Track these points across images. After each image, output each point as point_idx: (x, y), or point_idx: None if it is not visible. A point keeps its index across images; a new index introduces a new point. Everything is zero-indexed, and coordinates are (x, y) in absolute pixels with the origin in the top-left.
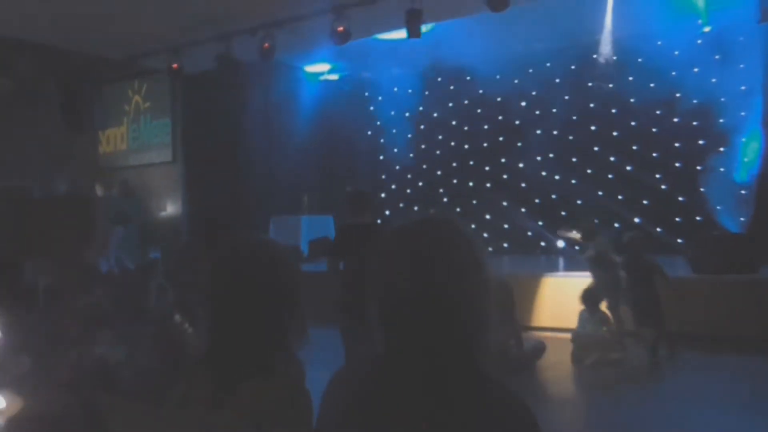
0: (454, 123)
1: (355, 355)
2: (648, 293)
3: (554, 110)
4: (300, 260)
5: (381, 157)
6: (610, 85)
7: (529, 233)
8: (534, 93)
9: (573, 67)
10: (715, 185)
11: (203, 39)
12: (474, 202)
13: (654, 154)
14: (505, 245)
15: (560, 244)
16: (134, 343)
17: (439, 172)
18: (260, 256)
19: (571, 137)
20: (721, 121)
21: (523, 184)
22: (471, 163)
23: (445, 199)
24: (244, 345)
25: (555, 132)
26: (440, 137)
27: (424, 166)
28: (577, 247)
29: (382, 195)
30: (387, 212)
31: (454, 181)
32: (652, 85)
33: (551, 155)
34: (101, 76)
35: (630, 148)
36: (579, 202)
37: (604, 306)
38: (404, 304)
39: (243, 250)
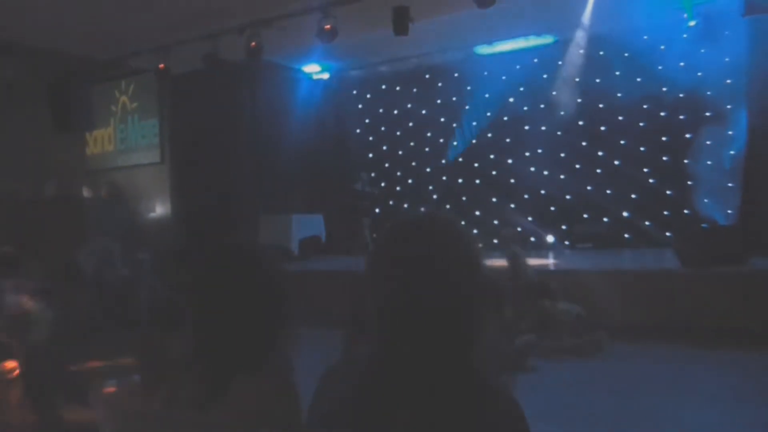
0: (442, 120)
1: (350, 352)
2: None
3: (542, 106)
4: (286, 260)
5: (370, 155)
6: (597, 80)
7: (519, 229)
8: (522, 89)
9: (560, 62)
10: (703, 178)
11: (190, 38)
12: (463, 198)
13: (641, 149)
14: (495, 241)
15: (550, 238)
16: (123, 343)
17: (428, 169)
18: (243, 258)
19: (559, 133)
20: (708, 114)
21: (512, 180)
22: (460, 159)
23: (434, 196)
24: (231, 345)
25: (543, 128)
26: (429, 134)
27: (414, 164)
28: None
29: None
30: (377, 210)
31: (444, 177)
32: (638, 79)
33: (539, 151)
34: (87, 77)
35: (618, 143)
36: (568, 197)
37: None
38: (398, 303)
39: (227, 253)
